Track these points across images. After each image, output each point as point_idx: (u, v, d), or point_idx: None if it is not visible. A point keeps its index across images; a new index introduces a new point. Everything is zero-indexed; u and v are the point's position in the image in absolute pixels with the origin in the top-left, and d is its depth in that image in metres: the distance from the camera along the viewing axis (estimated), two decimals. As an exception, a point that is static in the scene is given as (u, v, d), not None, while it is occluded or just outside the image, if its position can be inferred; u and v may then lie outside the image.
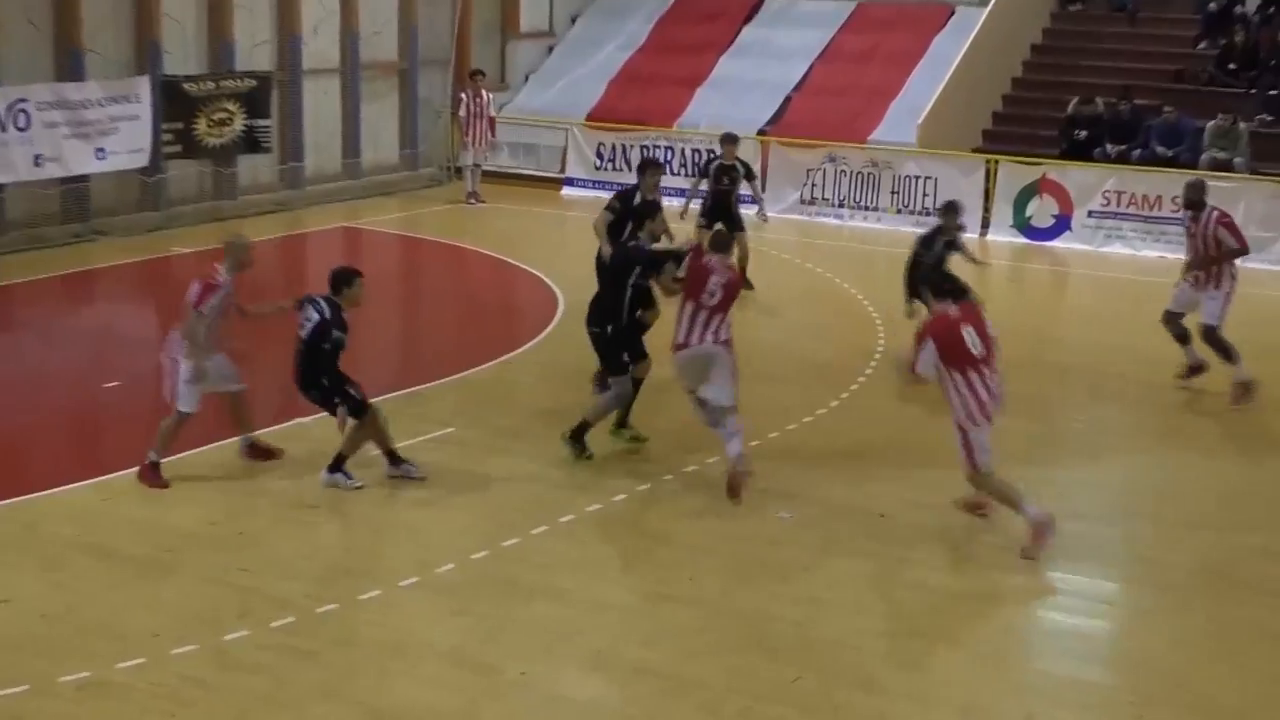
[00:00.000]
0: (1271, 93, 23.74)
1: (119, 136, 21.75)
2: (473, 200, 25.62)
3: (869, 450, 13.02)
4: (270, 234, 22.54)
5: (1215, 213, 14.87)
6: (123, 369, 15.19)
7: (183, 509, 11.41)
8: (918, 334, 11.22)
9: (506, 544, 10.86)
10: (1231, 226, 14.79)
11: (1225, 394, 14.81)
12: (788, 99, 26.86)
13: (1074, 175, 23.32)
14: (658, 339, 12.66)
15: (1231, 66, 24.58)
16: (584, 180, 27.01)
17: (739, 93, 26.98)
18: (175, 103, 22.66)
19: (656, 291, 12.78)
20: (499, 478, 12.28)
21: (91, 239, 21.73)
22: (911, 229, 22.96)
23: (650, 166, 14.67)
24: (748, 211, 19.07)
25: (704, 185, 18.71)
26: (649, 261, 12.72)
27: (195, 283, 11.90)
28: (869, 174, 24.58)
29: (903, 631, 9.79)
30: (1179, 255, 16.20)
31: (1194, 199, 14.93)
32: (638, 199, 14.01)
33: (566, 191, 27.03)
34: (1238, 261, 14.90)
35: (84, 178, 21.80)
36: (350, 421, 11.79)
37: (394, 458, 12.09)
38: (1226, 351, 14.65)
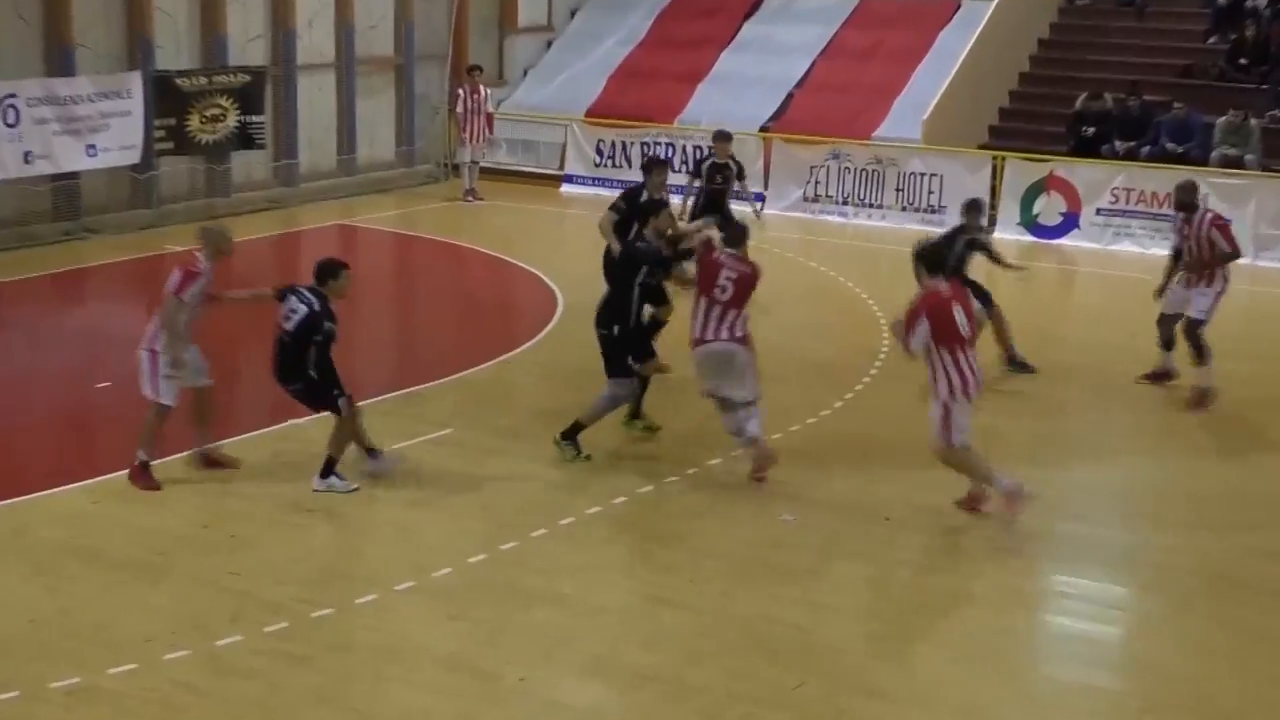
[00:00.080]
0: (1283, 88, 23.77)
1: (110, 133, 21.76)
2: (470, 198, 25.62)
3: (873, 452, 13.01)
4: (264, 232, 22.58)
5: (1209, 215, 14.85)
6: (114, 369, 15.13)
7: (174, 512, 11.40)
8: (909, 310, 11.37)
9: (505, 547, 10.85)
10: (1225, 229, 14.74)
11: (1232, 398, 14.83)
12: (790, 95, 26.85)
13: (1082, 172, 23.32)
14: (676, 338, 12.67)
15: (1242, 61, 24.59)
16: (583, 177, 27.02)
17: (740, 89, 26.98)
18: (167, 98, 22.67)
19: (672, 286, 12.94)
20: (497, 479, 12.27)
21: (83, 237, 21.73)
22: (917, 227, 23.00)
23: (656, 166, 14.73)
24: (744, 209, 19.05)
25: (697, 184, 18.72)
26: (656, 261, 12.75)
27: (176, 270, 11.78)
28: (873, 171, 24.58)
29: (907, 636, 9.78)
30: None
31: (1186, 200, 14.88)
32: (644, 198, 14.02)
33: (566, 189, 27.04)
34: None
35: (75, 175, 21.80)
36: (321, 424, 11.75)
37: (371, 452, 12.10)
38: (1201, 352, 14.64)
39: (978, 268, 15.42)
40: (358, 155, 26.50)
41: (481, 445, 13.10)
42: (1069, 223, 23.28)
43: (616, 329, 12.67)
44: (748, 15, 28.82)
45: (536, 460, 12.66)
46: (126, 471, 11.84)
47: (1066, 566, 11.15)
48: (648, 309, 13.26)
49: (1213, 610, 10.22)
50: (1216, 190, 22.13)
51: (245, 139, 23.88)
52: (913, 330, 11.21)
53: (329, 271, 11.79)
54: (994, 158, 23.96)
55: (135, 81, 22.15)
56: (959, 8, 26.95)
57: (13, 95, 20.52)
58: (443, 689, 8.85)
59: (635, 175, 25.29)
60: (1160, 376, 15.13)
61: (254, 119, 23.84)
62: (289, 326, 11.63)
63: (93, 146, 21.59)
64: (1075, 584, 10.82)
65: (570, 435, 12.63)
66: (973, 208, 15.75)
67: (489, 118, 26.00)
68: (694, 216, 17.84)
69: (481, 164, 26.16)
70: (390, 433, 13.15)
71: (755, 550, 10.97)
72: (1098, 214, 23.09)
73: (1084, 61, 25.62)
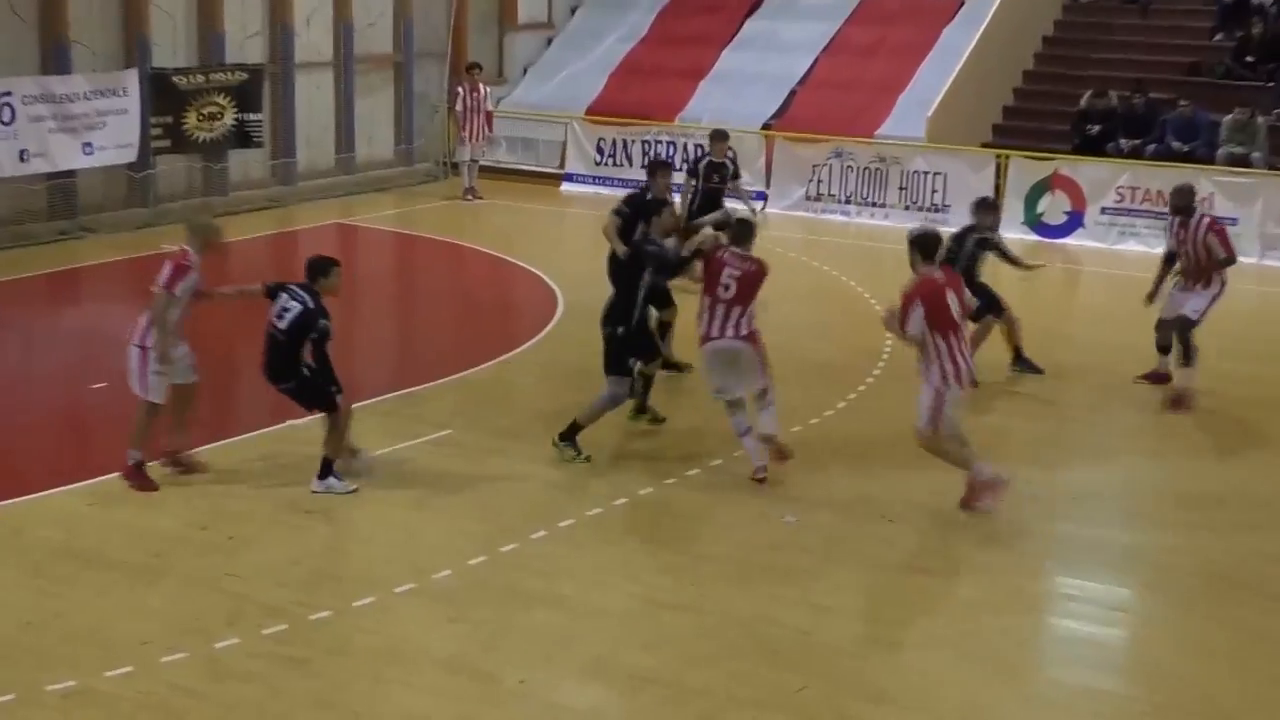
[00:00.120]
0: (1289, 86, 23.78)
1: (107, 131, 21.79)
2: (470, 196, 25.64)
3: (876, 453, 13.02)
4: (262, 231, 22.60)
5: (1206, 219, 14.80)
6: (110, 370, 15.10)
7: (171, 513, 11.41)
8: (904, 295, 11.53)
9: (505, 549, 10.86)
10: (1222, 234, 14.71)
11: (1234, 398, 14.85)
12: (792, 93, 26.88)
13: (1087, 171, 23.33)
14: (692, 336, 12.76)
15: (1249, 59, 24.61)
16: (584, 176, 27.05)
17: (742, 86, 27.00)
18: (164, 96, 22.69)
19: (682, 284, 13.08)
20: (497, 481, 12.28)
21: (79, 236, 21.75)
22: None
23: (660, 167, 14.75)
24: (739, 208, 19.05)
25: (694, 183, 18.70)
26: (665, 262, 12.86)
27: (166, 264, 11.74)
28: (876, 169, 24.60)
29: (910, 640, 9.79)
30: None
31: (1182, 204, 14.83)
32: (649, 199, 14.03)
33: (566, 187, 27.07)
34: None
35: (71, 173, 21.83)
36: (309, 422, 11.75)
37: (351, 450, 12.13)
38: (1189, 354, 14.62)
39: (989, 272, 15.45)
40: (356, 154, 26.53)
41: (481, 446, 13.11)
42: (1073, 222, 23.29)
43: (620, 329, 12.71)
44: (749, 12, 28.85)
45: (537, 461, 12.67)
46: (121, 473, 11.86)
47: (1069, 568, 11.17)
48: (653, 312, 13.30)
49: (1215, 611, 10.23)
50: (1222, 189, 22.18)
51: (243, 137, 23.90)
52: (909, 315, 11.42)
53: (319, 269, 11.80)
54: (998, 156, 23.98)
55: (132, 79, 22.18)
56: (962, 4, 26.95)
57: (8, 93, 20.54)
58: (442, 692, 8.86)
59: (636, 174, 25.41)
60: (1159, 378, 15.14)
61: (251, 117, 23.86)
62: (282, 325, 11.62)
63: (89, 145, 21.61)
64: (1078, 585, 10.83)
65: (569, 436, 12.65)
66: (983, 205, 15.78)
67: (489, 116, 26.03)
68: (691, 216, 17.85)
69: (481, 162, 26.19)
70: (389, 434, 13.19)
71: (757, 552, 10.97)
72: (1102, 213, 23.11)
73: (1089, 59, 25.65)
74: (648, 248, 13.06)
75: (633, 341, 12.77)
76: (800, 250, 22.19)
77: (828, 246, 22.83)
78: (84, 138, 21.50)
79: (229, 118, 23.52)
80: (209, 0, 23.63)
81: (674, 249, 13.20)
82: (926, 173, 24.20)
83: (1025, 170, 23.59)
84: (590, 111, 27.53)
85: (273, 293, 11.75)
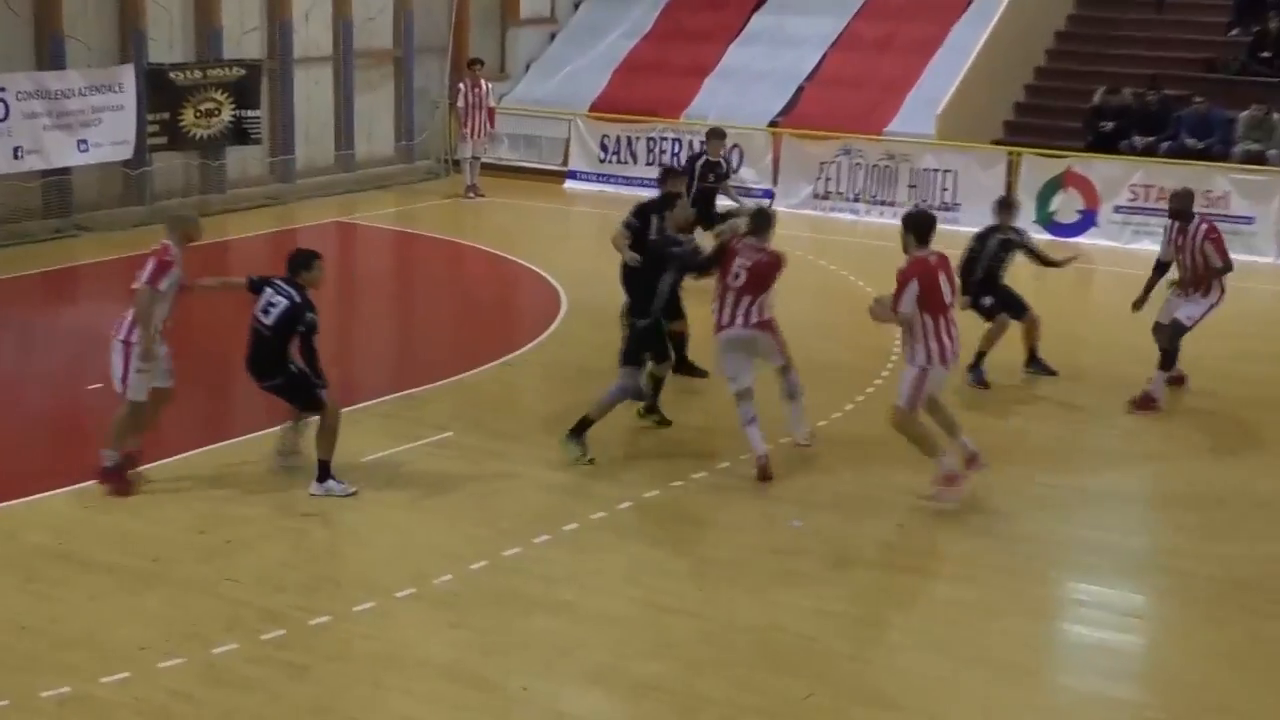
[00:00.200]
0: (1307, 82, 23.77)
1: (102, 128, 21.81)
2: (471, 194, 25.66)
3: (885, 456, 12.99)
4: (260, 229, 22.63)
5: (1204, 226, 14.69)
6: (106, 371, 15.14)
7: (169, 517, 11.42)
8: (898, 274, 11.85)
9: (507, 554, 10.87)
10: (1218, 242, 14.61)
11: (1250, 400, 14.85)
12: (800, 89, 26.88)
13: (1100, 168, 23.32)
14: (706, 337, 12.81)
15: (1265, 55, 24.56)
16: (587, 173, 27.06)
17: (749, 82, 27.02)
18: (161, 92, 22.71)
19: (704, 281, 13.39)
20: (499, 484, 12.29)
21: (74, 234, 21.79)
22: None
23: (671, 176, 14.87)
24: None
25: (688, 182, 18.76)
26: (688, 263, 13.10)
27: (150, 260, 11.68)
28: (885, 167, 24.60)
29: (920, 646, 9.78)
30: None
31: (1181, 209, 14.75)
32: (656, 218, 14.08)
33: (569, 185, 27.08)
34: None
35: (66, 170, 21.87)
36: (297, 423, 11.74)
37: (291, 449, 12.22)
38: (1171, 358, 14.61)
39: (1016, 274, 15.47)
40: (356, 151, 26.55)
41: (483, 448, 13.12)
42: (1086, 220, 23.28)
43: (639, 323, 12.93)
44: (757, 7, 28.84)
45: (539, 464, 12.69)
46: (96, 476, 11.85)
47: (1082, 572, 11.16)
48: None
49: (1231, 617, 10.23)
50: (1238, 187, 22.17)
51: (240, 134, 23.92)
52: (902, 293, 11.73)
53: (301, 262, 11.85)
54: (1009, 154, 23.97)
55: (128, 75, 22.20)
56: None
57: (2, 89, 20.58)
58: (443, 699, 8.87)
59: (641, 171, 25.51)
60: (1171, 381, 15.13)
61: (249, 113, 23.88)
62: (268, 320, 11.64)
63: (84, 141, 21.64)
64: (1091, 590, 10.83)
65: (578, 432, 12.68)
66: (1003, 205, 15.82)
67: (491, 112, 26.04)
68: None
69: (483, 160, 26.20)
70: (389, 436, 13.21)
71: (764, 557, 10.98)
72: (1116, 211, 23.09)
73: (1102, 55, 25.62)
74: (672, 249, 13.22)
75: (650, 335, 12.94)
76: (808, 249, 22.16)
77: (836, 245, 22.82)
78: (79, 134, 21.53)
79: (227, 114, 23.55)
80: (206, -6, 23.69)
81: (692, 245, 13.44)
82: (937, 170, 24.20)
83: (1037, 168, 23.58)
84: (594, 108, 27.54)
85: (256, 287, 11.79)
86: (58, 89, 21.24)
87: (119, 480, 11.74)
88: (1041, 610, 10.47)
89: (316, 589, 10.32)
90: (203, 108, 23.21)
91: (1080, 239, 23.12)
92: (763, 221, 12.90)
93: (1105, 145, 23.66)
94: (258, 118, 24.08)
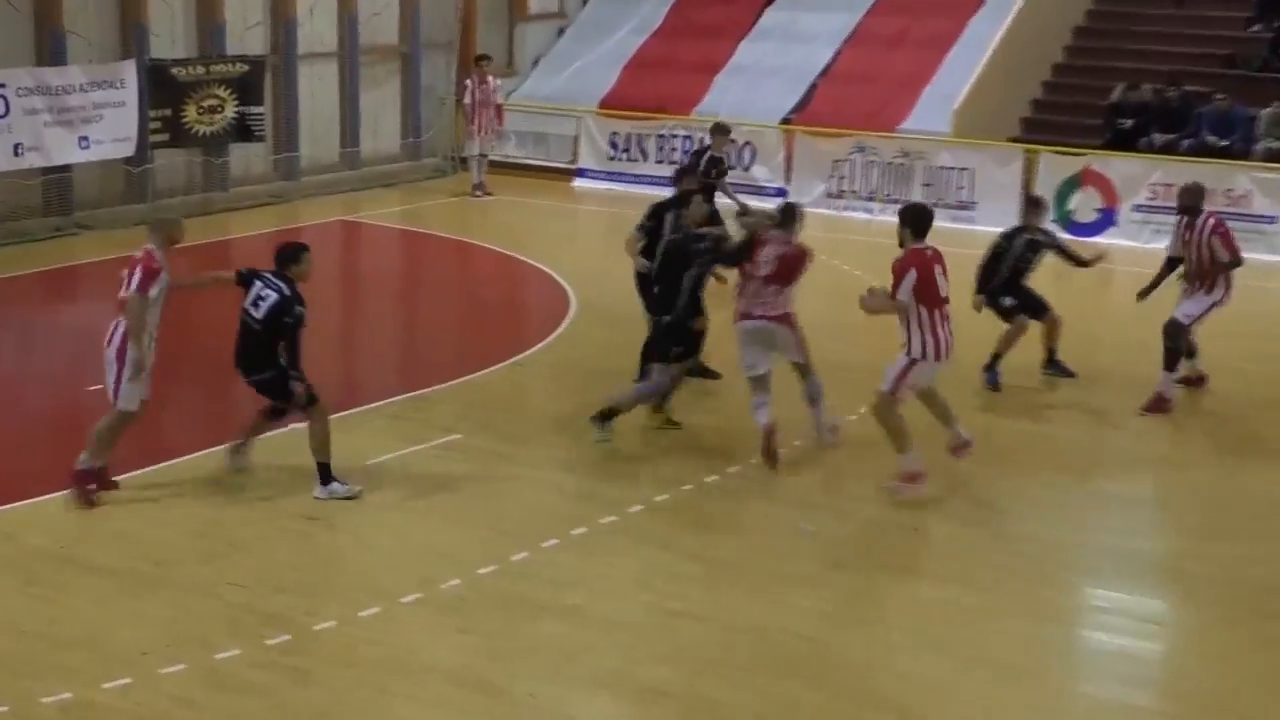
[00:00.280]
0: (1330, 79, 23.74)
1: (103, 124, 21.85)
2: (479, 192, 25.67)
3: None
4: (264, 228, 22.63)
5: (1211, 220, 14.69)
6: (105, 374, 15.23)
7: (170, 519, 11.45)
8: (895, 265, 12.15)
9: (515, 558, 10.88)
10: (1226, 236, 14.62)
11: (1272, 402, 14.82)
12: (813, 86, 26.85)
13: (1119, 166, 23.30)
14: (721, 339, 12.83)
15: (1287, 50, 24.57)
16: (596, 171, 27.07)
17: (761, 79, 27.00)
18: (163, 88, 22.74)
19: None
20: (507, 487, 12.31)
21: (74, 233, 21.82)
22: (946, 224, 22.94)
23: (687, 174, 14.99)
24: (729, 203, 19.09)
25: None
26: (717, 256, 13.41)
27: (137, 268, 11.61)
28: (900, 165, 24.59)
29: (933, 651, 9.77)
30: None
31: (1190, 204, 14.75)
32: (672, 212, 14.11)
33: (578, 183, 27.09)
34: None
35: (67, 168, 21.90)
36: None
37: (242, 447, 12.26)
38: (1175, 357, 14.61)
39: (1042, 277, 15.49)
40: (361, 148, 26.57)
41: (491, 451, 13.13)
42: (1105, 219, 23.25)
43: (666, 318, 13.17)
44: (769, 2, 28.79)
45: (549, 466, 12.71)
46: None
47: (1099, 578, 11.17)
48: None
49: (1252, 625, 10.23)
50: (1261, 185, 22.13)
51: (244, 131, 23.94)
52: (900, 282, 12.02)
53: (289, 256, 11.89)
54: (1026, 151, 23.95)
55: (129, 71, 22.24)
56: (990, -7, 26.94)
57: (2, 85, 20.62)
58: (450, 705, 8.88)
59: (650, 169, 25.51)
60: (1192, 382, 15.13)
61: (253, 110, 23.90)
62: (258, 314, 11.67)
63: (85, 138, 21.68)
64: (1109, 596, 10.84)
65: (607, 418, 13.00)
66: (1034, 205, 15.86)
67: (498, 109, 26.04)
68: None
69: (490, 157, 26.20)
70: (396, 438, 13.23)
71: (774, 561, 10.99)
72: (1135, 210, 23.04)
73: (1121, 50, 25.59)
74: (699, 245, 13.37)
75: (677, 331, 13.15)
76: (820, 248, 21.93)
77: (849, 245, 22.78)
78: (80, 131, 21.57)
79: (230, 110, 23.57)
80: (209, -11, 23.73)
81: (715, 237, 13.69)
82: (952, 169, 24.19)
83: (1055, 166, 23.55)
84: (603, 105, 27.54)
85: (246, 280, 11.82)
86: (58, 85, 21.28)
87: (83, 485, 11.61)
88: (1052, 614, 10.45)
89: (321, 593, 10.35)
90: (205, 104, 23.24)
91: (1098, 239, 23.08)
92: (790, 215, 13.18)
93: (1124, 143, 23.64)
94: (261, 114, 24.10)
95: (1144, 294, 15.07)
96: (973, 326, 14.91)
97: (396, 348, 17.62)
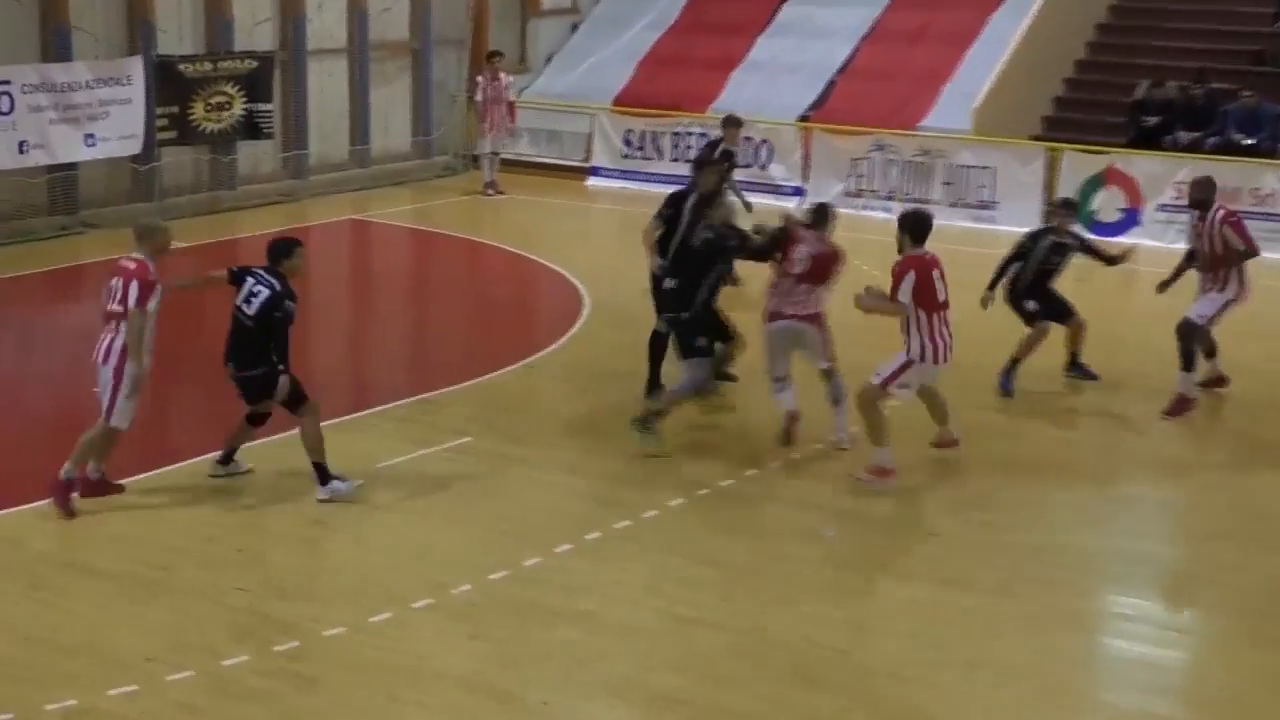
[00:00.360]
0: (1359, 75, 23.69)
1: (110, 121, 21.89)
2: (490, 191, 25.69)
3: (919, 465, 13.00)
4: (272, 227, 22.57)
5: (1221, 211, 14.73)
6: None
7: (176, 524, 11.46)
8: (895, 268, 12.32)
9: (528, 563, 10.88)
10: (1238, 225, 14.66)
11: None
12: (831, 82, 26.84)
13: (1143, 165, 23.26)
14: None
15: (1315, 48, 24.53)
16: (610, 170, 27.08)
17: (778, 76, 26.99)
18: (170, 85, 22.78)
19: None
20: (519, 491, 12.31)
21: (80, 231, 21.86)
22: (967, 223, 23.03)
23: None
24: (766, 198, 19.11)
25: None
26: (746, 250, 13.57)
27: (132, 282, 11.54)
28: (920, 163, 24.56)
29: (954, 660, 9.76)
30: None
31: (1201, 197, 14.82)
32: (691, 200, 14.06)
33: (592, 181, 27.10)
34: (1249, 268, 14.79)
35: (72, 166, 21.95)
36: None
37: (230, 456, 12.26)
38: (1190, 358, 14.58)
39: (1064, 279, 15.48)
40: (371, 146, 26.60)
41: (503, 454, 13.13)
42: (1129, 219, 23.20)
43: (683, 314, 13.22)
44: (786, -3, 28.83)
45: (562, 470, 12.71)
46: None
47: (1123, 585, 11.14)
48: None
49: (1275, 632, 10.19)
50: (1288, 185, 22.10)
51: (252, 128, 23.98)
52: (900, 284, 12.24)
53: (282, 250, 11.91)
54: (1049, 149, 23.92)
55: (136, 67, 22.28)
56: (1011, -11, 26.90)
57: (7, 82, 20.66)
58: (461, 712, 8.88)
59: (665, 167, 25.48)
60: (1213, 383, 15.12)
61: (261, 107, 23.94)
62: (251, 310, 11.68)
63: (91, 136, 21.73)
64: (1132, 604, 10.81)
65: (648, 423, 13.02)
66: (1065, 206, 15.91)
67: (510, 106, 26.05)
68: None
69: (502, 155, 26.21)
70: (406, 441, 13.24)
71: (793, 567, 10.98)
72: (1160, 210, 22.99)
73: (1145, 47, 25.56)
74: (728, 243, 13.46)
75: (698, 324, 13.20)
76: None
77: (868, 244, 22.65)
78: (86, 128, 21.62)
79: (238, 108, 23.61)
80: (217, -15, 23.77)
81: (737, 233, 13.72)
82: (973, 167, 24.16)
83: (1078, 164, 23.51)
84: (617, 102, 27.54)
85: (238, 277, 11.85)
86: (64, 82, 21.33)
87: (64, 495, 11.54)
88: (1082, 624, 10.45)
89: (330, 599, 10.35)
90: (213, 101, 23.28)
91: (1122, 239, 23.01)
92: (822, 215, 13.48)
93: (1148, 141, 23.60)
94: (270, 111, 24.14)
95: (1164, 286, 15.23)
96: (984, 326, 14.93)
97: (406, 349, 17.63)
